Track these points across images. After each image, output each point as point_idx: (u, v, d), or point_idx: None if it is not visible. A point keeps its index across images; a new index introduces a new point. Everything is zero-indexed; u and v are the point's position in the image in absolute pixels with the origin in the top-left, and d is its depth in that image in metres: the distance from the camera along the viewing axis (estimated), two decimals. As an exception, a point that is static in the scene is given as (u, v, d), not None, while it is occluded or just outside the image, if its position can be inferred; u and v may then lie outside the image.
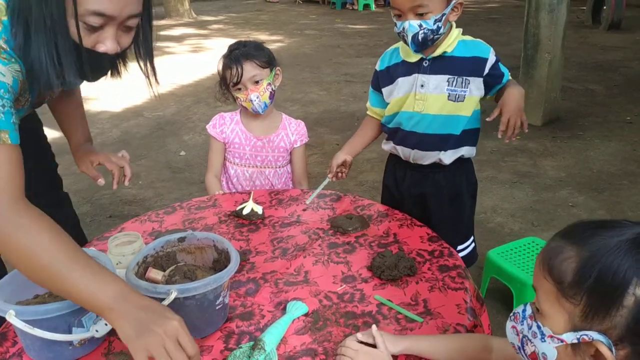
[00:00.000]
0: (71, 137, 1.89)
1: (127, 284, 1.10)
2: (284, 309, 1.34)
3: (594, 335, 0.80)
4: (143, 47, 1.28)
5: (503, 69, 1.80)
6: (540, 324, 0.89)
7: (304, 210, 1.85)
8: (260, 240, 1.68)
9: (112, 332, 1.21)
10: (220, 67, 2.09)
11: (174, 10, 11.76)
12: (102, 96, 5.71)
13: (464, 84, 1.77)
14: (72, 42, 1.11)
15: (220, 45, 8.51)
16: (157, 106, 5.51)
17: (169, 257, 1.36)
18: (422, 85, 1.80)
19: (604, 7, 8.58)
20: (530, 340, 0.91)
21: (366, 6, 12.35)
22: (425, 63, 1.79)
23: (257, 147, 2.17)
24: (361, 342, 1.17)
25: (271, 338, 1.20)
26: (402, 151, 1.94)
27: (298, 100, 5.55)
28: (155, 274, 1.28)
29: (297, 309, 1.32)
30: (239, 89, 2.05)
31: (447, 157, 1.87)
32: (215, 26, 10.84)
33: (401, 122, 1.88)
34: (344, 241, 1.65)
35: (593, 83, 5.69)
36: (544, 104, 4.48)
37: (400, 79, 1.86)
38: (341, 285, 1.43)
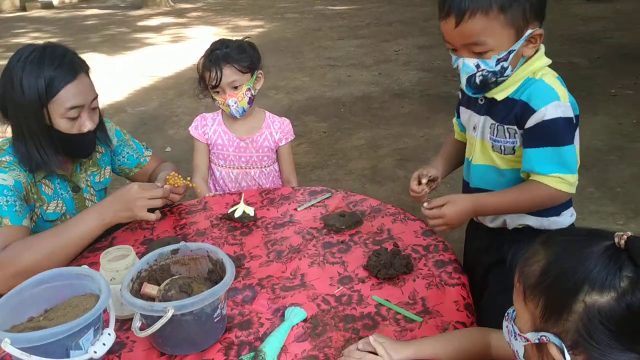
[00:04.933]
0: None
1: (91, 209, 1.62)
2: (282, 315, 1.33)
3: (550, 337, 0.83)
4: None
5: (549, 153, 1.26)
6: (513, 323, 0.93)
7: (296, 209, 1.83)
8: (254, 243, 1.66)
9: (111, 351, 1.21)
10: (200, 66, 2.04)
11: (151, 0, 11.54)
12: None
13: (508, 134, 1.35)
14: (51, 141, 1.61)
15: (200, 34, 8.40)
16: (140, 101, 5.43)
17: (163, 270, 1.34)
18: (474, 128, 1.46)
19: (584, -22, 8.55)
20: (511, 338, 0.95)
21: (345, -14, 12.20)
22: (481, 101, 1.42)
23: (240, 147, 2.14)
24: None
25: (271, 348, 1.20)
26: None
27: (282, 87, 5.50)
28: (150, 289, 1.27)
29: (295, 315, 1.31)
30: (217, 92, 2.01)
31: (511, 221, 1.46)
32: (194, 14, 10.67)
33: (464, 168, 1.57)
34: (338, 240, 1.64)
35: (576, 56, 5.69)
36: (529, 81, 4.48)
37: (462, 108, 1.55)
38: (338, 287, 1.43)
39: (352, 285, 1.44)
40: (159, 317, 1.14)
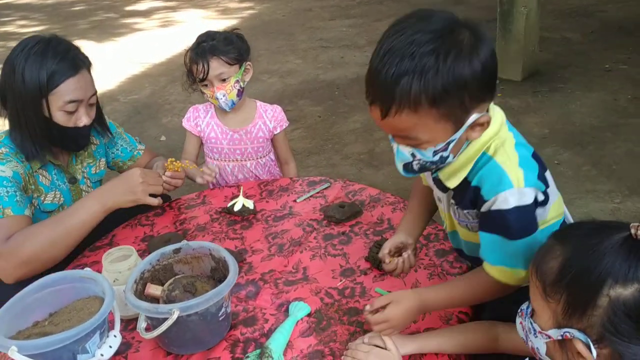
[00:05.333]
0: None
1: (92, 194, 1.63)
2: (287, 310, 1.34)
3: (575, 332, 0.83)
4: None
5: (498, 242, 1.09)
6: (532, 320, 0.93)
7: (295, 201, 1.83)
8: (254, 237, 1.66)
9: (118, 352, 1.21)
10: (187, 60, 2.01)
11: (138, -17, 11.36)
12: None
13: (470, 217, 1.20)
14: (48, 132, 1.62)
15: (189, 18, 8.29)
16: (132, 89, 5.38)
17: (166, 270, 1.34)
18: (439, 199, 1.30)
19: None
20: (528, 336, 0.95)
21: (335, -36, 12.03)
22: (434, 174, 1.22)
23: (234, 140, 2.12)
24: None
25: (277, 344, 1.21)
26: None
27: (275, 71, 5.45)
28: (154, 289, 1.27)
29: (299, 310, 1.32)
30: (206, 85, 1.99)
31: None
32: (182, -4, 10.50)
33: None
34: (339, 231, 1.64)
35: (569, 31, 5.65)
36: (523, 59, 4.45)
37: None
38: (341, 280, 1.44)
39: (355, 277, 1.44)
40: (165, 319, 1.14)
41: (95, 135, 1.87)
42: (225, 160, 2.15)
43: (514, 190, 1.04)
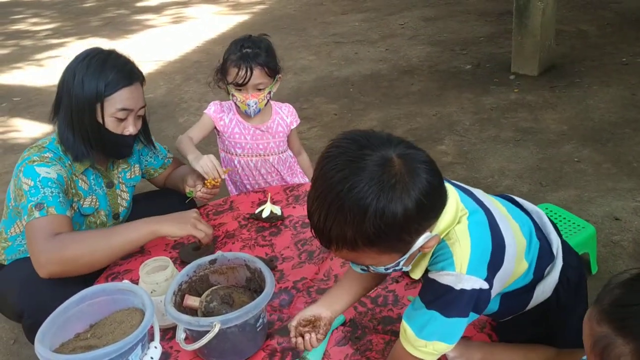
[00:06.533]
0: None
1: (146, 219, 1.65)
2: (321, 319, 1.35)
3: None
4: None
5: (417, 299, 1.08)
6: None
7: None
8: (284, 244, 1.68)
9: (158, 363, 1.23)
10: (226, 60, 2.00)
11: (148, -22, 11.37)
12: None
13: None
14: (98, 136, 1.70)
15: (201, 13, 8.29)
16: (147, 88, 5.30)
17: (203, 281, 1.37)
18: None
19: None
20: None
21: (345, -44, 11.97)
22: None
23: (257, 135, 2.15)
24: None
25: (315, 355, 1.23)
26: None
27: (289, 68, 5.43)
28: (192, 301, 1.30)
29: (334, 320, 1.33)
30: (239, 90, 2.00)
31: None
32: (192, -8, 10.51)
33: None
34: (368, 238, 1.65)
35: (585, 23, 5.59)
36: (539, 53, 4.42)
37: None
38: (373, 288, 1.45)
39: (386, 285, 1.46)
40: (205, 331, 1.17)
41: (135, 144, 1.91)
42: (248, 156, 2.18)
43: (455, 272, 1.01)
